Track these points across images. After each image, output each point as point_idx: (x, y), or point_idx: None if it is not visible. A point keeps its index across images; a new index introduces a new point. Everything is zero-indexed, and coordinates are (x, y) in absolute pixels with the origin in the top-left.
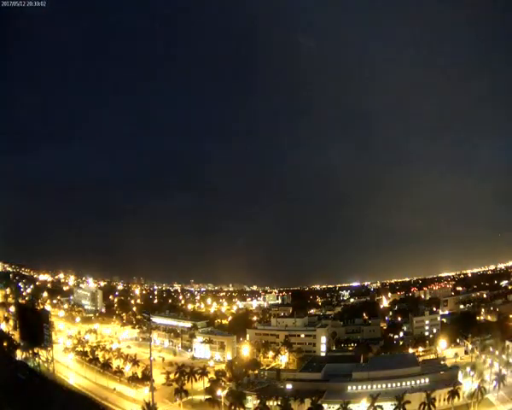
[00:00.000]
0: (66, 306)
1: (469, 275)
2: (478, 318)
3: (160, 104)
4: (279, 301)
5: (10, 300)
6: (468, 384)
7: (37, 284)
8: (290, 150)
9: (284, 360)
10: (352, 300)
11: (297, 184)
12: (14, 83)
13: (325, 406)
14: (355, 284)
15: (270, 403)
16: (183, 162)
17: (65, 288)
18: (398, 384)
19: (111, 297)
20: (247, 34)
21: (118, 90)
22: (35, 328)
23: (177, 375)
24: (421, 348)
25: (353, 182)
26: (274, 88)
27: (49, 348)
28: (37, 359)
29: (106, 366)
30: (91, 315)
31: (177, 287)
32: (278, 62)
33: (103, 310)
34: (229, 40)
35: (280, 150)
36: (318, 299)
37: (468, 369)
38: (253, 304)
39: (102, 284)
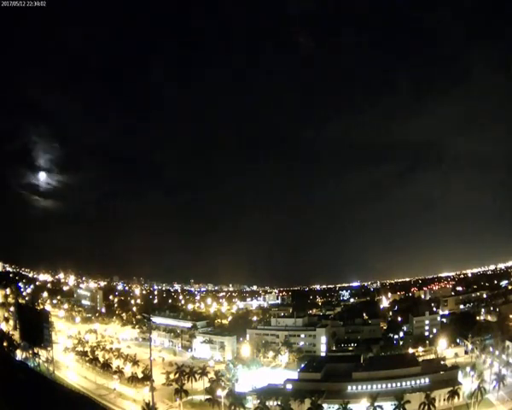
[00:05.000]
0: (66, 306)
1: (469, 275)
2: (478, 318)
3: None
4: (279, 301)
5: (10, 300)
6: (468, 384)
7: (37, 284)
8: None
9: (284, 360)
10: (352, 300)
11: (297, 185)
12: None
13: (325, 406)
14: (355, 284)
15: (270, 403)
16: None
17: (65, 288)
18: (398, 384)
19: (111, 297)
20: None
21: None
22: (35, 328)
23: (177, 375)
24: (421, 348)
25: (353, 182)
26: None
27: (49, 348)
28: (37, 359)
29: (106, 366)
30: (91, 315)
31: (177, 287)
32: None
33: (103, 310)
34: None
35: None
36: (318, 299)
37: (468, 369)
38: (253, 304)
39: (102, 284)
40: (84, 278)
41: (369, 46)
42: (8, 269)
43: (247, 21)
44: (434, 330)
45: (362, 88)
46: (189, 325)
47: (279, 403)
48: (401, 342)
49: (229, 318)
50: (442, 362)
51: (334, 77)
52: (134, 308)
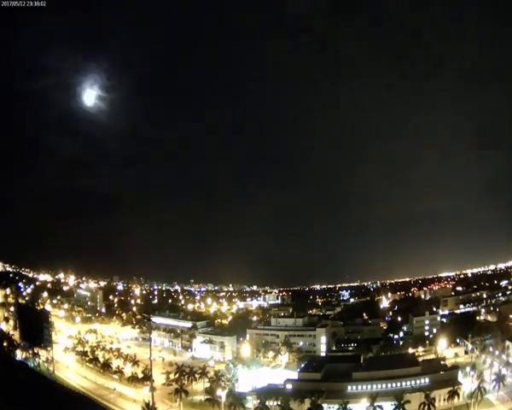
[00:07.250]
0: (66, 306)
1: (469, 275)
2: (478, 318)
3: None
4: (279, 301)
5: (10, 300)
6: (468, 384)
7: (37, 284)
8: (290, 151)
9: (284, 360)
10: (352, 300)
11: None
12: None
13: (325, 406)
14: (355, 283)
15: (270, 403)
16: None
17: (65, 288)
18: (398, 384)
19: (111, 297)
20: None
21: None
22: (35, 328)
23: (177, 375)
24: (421, 348)
25: (354, 182)
26: None
27: (49, 348)
28: (37, 359)
29: (106, 366)
30: (91, 315)
31: (177, 287)
32: None
33: (103, 310)
34: None
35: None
36: (318, 299)
37: (468, 369)
38: (253, 304)
39: (102, 284)
40: (84, 278)
41: None
42: (8, 269)
43: None
44: (434, 330)
45: None
46: (189, 325)
47: (279, 403)
48: (401, 342)
49: (229, 318)
50: (442, 362)
51: None
52: (134, 308)
